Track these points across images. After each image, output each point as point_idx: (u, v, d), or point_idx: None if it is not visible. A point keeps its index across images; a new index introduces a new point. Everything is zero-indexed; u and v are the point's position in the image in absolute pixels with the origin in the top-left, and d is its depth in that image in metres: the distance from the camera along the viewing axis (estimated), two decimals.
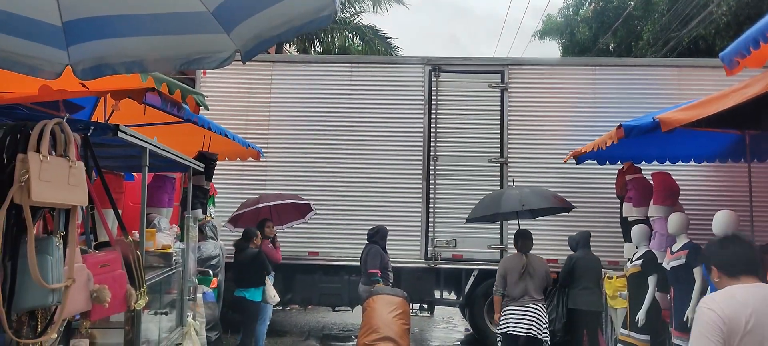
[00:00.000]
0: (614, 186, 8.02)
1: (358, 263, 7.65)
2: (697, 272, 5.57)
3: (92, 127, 3.30)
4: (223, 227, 7.98)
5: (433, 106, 8.96)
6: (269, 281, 7.10)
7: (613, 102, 8.64)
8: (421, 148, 8.90)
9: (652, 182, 7.10)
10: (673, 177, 7.03)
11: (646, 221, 7.02)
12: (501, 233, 8.70)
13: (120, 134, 3.41)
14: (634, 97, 8.59)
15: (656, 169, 7.35)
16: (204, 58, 2.52)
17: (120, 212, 3.60)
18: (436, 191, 8.84)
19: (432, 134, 8.91)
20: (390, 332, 6.28)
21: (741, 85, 4.23)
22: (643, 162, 7.66)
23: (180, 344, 5.07)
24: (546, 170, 8.69)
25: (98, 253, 3.17)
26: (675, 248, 5.98)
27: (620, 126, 5.70)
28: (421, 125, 8.93)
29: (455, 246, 8.73)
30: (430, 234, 8.77)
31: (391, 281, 7.50)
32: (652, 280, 6.19)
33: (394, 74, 9.13)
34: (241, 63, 2.60)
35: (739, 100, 4.15)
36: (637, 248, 6.66)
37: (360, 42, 19.42)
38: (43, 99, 3.55)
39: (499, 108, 8.90)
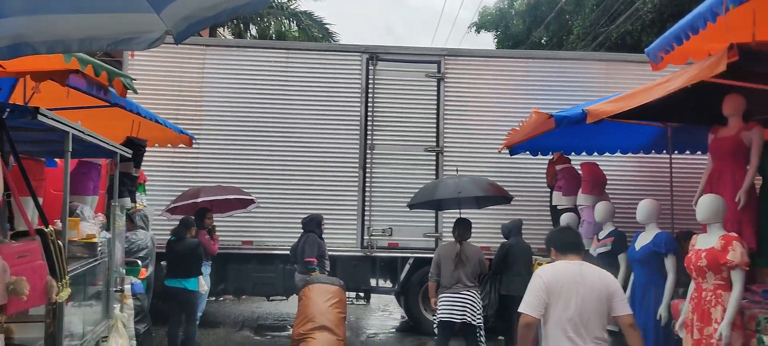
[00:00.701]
0: (545, 176, 8.27)
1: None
2: (622, 258, 5.82)
3: (9, 110, 3.11)
4: (158, 215, 7.72)
5: (370, 95, 8.94)
6: (204, 271, 6.96)
7: (546, 94, 8.84)
8: (358, 137, 8.87)
9: (580, 171, 7.36)
10: (601, 167, 7.31)
11: (574, 209, 7.28)
12: (436, 222, 8.81)
13: (40, 118, 3.23)
14: (565, 89, 8.83)
15: (585, 160, 7.62)
16: (132, 39, 2.41)
17: (40, 200, 3.42)
18: (373, 180, 8.85)
19: (369, 123, 8.90)
20: (326, 321, 6.26)
21: (664, 80, 4.43)
22: (573, 153, 7.90)
23: (106, 337, 4.89)
24: (481, 160, 8.83)
25: (15, 243, 3.00)
26: (601, 235, 6.22)
27: (551, 116, 5.86)
28: (358, 114, 8.91)
29: (391, 235, 8.77)
30: (366, 223, 8.78)
31: (328, 269, 7.48)
32: None
33: (331, 62, 9.05)
34: (173, 45, 2.51)
35: (661, 93, 4.34)
36: None
37: (296, 28, 19.18)
38: None
39: (436, 98, 8.98)
